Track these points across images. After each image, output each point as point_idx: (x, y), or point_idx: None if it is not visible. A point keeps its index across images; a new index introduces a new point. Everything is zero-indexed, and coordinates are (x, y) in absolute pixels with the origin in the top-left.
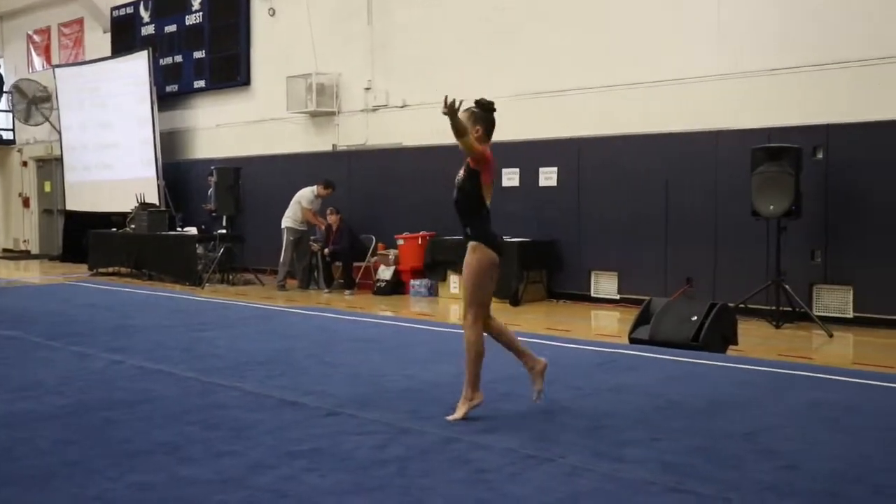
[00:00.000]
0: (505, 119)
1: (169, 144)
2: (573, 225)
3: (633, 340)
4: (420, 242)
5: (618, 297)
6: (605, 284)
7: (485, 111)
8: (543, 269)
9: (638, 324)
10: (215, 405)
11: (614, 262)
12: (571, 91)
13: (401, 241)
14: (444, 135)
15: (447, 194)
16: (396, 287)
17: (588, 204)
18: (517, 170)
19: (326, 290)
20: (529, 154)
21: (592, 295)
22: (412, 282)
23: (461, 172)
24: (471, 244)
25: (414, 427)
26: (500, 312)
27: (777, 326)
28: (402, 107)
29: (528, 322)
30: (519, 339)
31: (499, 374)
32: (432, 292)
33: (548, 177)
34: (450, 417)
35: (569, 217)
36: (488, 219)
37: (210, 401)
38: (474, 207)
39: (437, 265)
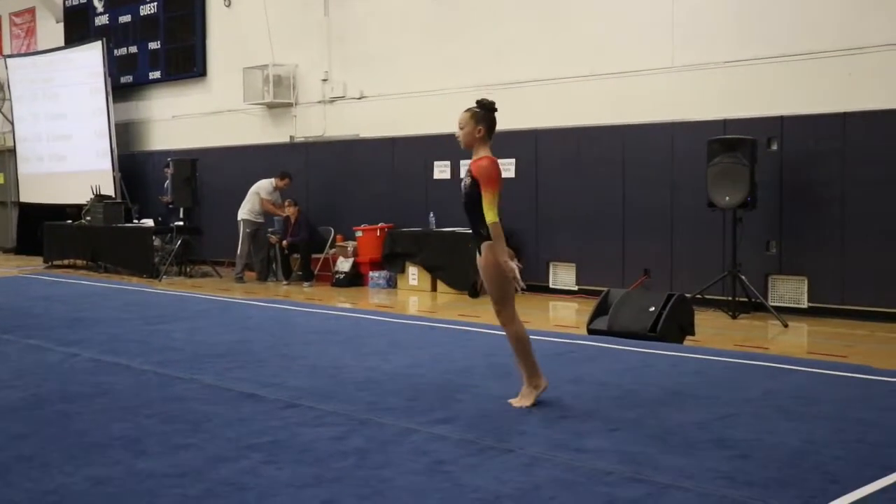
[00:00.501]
0: (460, 110)
1: (124, 136)
2: (531, 216)
3: (591, 331)
4: (378, 234)
5: (576, 288)
6: (562, 276)
7: (486, 111)
8: None
9: (596, 315)
10: (173, 398)
11: (572, 254)
12: (529, 83)
13: (359, 233)
14: (401, 127)
15: (405, 186)
16: (355, 279)
17: (546, 195)
18: None
19: (285, 282)
20: None
21: (550, 286)
22: (371, 273)
23: (467, 180)
24: (485, 244)
25: (373, 419)
26: (460, 304)
27: (733, 317)
28: (359, 98)
29: (487, 313)
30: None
31: (455, 366)
32: (391, 284)
33: (505, 168)
34: (515, 402)
35: (526, 208)
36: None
37: (168, 394)
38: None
39: (395, 257)
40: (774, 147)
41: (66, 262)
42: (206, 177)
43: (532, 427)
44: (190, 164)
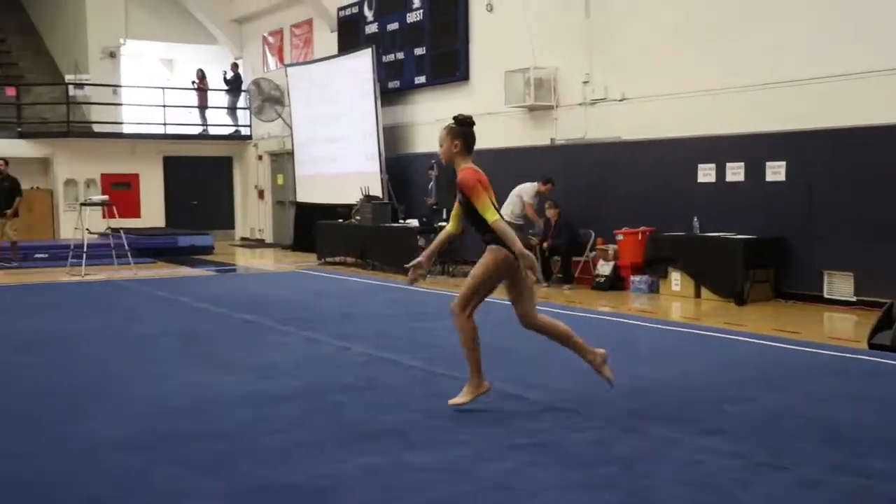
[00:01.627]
0: (727, 111)
1: (391, 139)
2: (803, 221)
3: (872, 346)
4: (640, 238)
5: (854, 298)
6: (839, 285)
7: (462, 126)
8: (770, 268)
9: (878, 328)
10: (438, 394)
11: (850, 262)
12: (802, 81)
13: (620, 237)
14: (663, 128)
15: (668, 189)
16: (615, 283)
17: (820, 200)
18: (742, 164)
19: (545, 285)
20: (755, 148)
21: (825, 296)
22: (632, 277)
23: (459, 195)
24: (489, 247)
25: (637, 426)
26: (725, 312)
27: None
28: (620, 100)
29: (754, 322)
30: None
31: (722, 375)
32: (653, 289)
33: (775, 171)
34: (453, 401)
35: (798, 213)
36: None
37: (433, 389)
38: (484, 221)
39: (657, 261)
40: None
41: (337, 259)
42: None
43: (807, 444)
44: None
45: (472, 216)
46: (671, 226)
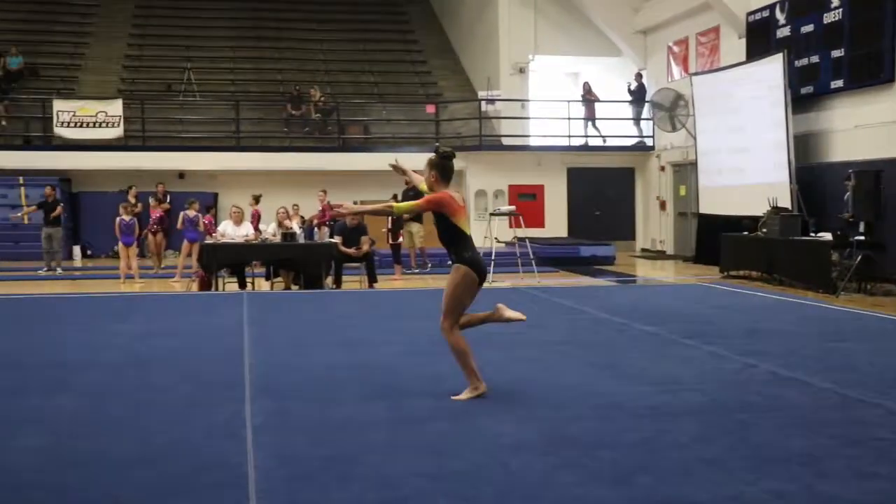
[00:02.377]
0: None
1: (802, 147)
2: None
3: None
4: None
5: None
6: None
7: (441, 159)
8: None
9: None
10: (854, 421)
11: None
12: None
13: None
14: None
15: None
16: None
17: None
18: None
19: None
20: None
21: None
22: None
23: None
24: (454, 266)
25: None
26: None
27: None
28: None
29: None
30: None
31: None
32: None
33: None
34: (454, 397)
35: None
36: (467, 244)
37: (848, 416)
38: (453, 238)
39: None
40: None
41: (741, 272)
42: (892, 189)
43: None
44: (873, 175)
45: (441, 233)
46: None
